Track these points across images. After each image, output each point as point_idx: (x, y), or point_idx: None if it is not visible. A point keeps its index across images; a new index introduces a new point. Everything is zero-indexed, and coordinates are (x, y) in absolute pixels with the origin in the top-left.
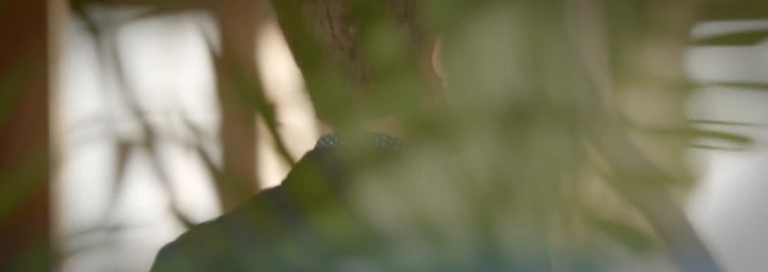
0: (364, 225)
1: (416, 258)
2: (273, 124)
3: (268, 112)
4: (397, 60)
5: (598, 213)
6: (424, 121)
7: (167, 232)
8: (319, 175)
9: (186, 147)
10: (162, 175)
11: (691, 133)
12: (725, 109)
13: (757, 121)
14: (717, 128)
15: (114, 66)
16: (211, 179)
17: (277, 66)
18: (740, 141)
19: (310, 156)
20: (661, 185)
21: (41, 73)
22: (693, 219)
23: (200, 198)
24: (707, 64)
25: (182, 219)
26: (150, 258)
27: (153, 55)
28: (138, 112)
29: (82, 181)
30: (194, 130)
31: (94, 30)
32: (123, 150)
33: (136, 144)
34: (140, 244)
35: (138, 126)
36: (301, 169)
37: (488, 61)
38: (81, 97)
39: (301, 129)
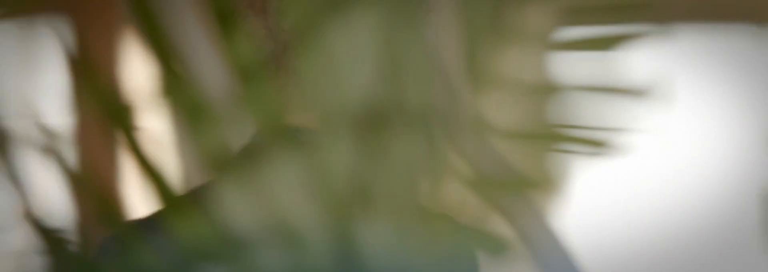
0: (221, 229)
1: (274, 261)
2: (129, 128)
3: (123, 115)
4: (254, 63)
5: (457, 217)
6: (282, 124)
7: (23, 237)
8: (172, 180)
9: (42, 151)
10: (17, 180)
11: (550, 137)
12: (584, 113)
13: (615, 126)
14: (576, 132)
15: None
16: (67, 183)
17: (135, 69)
18: (598, 145)
19: None
20: (521, 189)
21: None
22: (552, 222)
23: (56, 203)
24: (567, 68)
25: (38, 223)
26: (7, 263)
27: (8, 58)
28: None
29: None
30: (50, 133)
31: None
32: None
33: None
34: None
35: None
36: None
37: (346, 64)
38: None
39: (158, 132)
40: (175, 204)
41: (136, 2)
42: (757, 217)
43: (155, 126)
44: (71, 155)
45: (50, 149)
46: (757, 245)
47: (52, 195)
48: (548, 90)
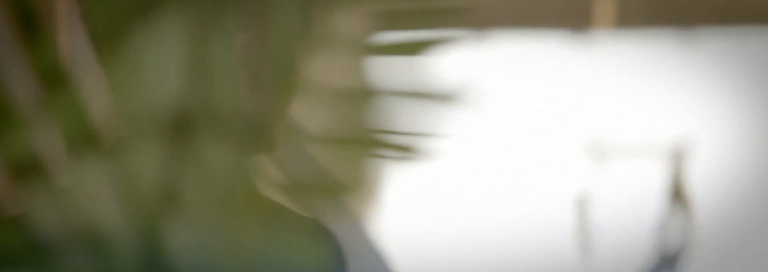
0: (25, 234)
1: (80, 266)
2: None
3: None
4: (59, 67)
5: (270, 221)
6: (87, 129)
7: None
8: None
9: None
10: None
11: (363, 142)
12: (396, 118)
13: (428, 130)
14: (389, 137)
15: None
16: None
17: None
18: (411, 150)
19: None
20: (335, 193)
21: None
22: (367, 226)
23: None
24: (379, 73)
25: None
26: None
27: None
28: None
29: None
30: None
31: None
32: None
33: None
34: None
35: None
36: None
37: (153, 67)
38: None
39: None
40: None
41: None
42: (571, 220)
43: None
44: None
45: None
46: (571, 247)
47: None
48: (360, 94)
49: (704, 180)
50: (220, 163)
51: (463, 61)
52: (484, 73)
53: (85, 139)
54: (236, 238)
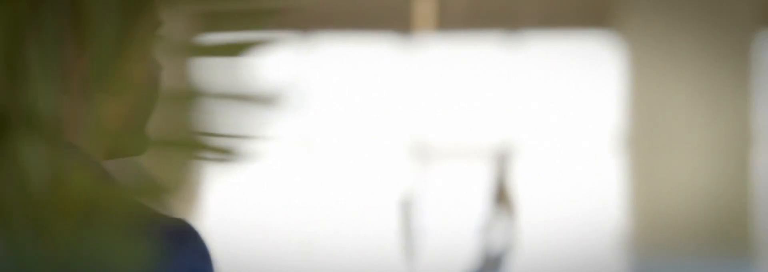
0: None
1: None
2: None
3: None
4: None
5: (87, 222)
6: None
7: None
8: None
9: None
10: None
11: (187, 145)
12: (219, 120)
13: (251, 133)
14: (211, 139)
15: None
16: None
17: None
18: (234, 152)
19: None
20: (157, 196)
21: None
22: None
23: None
24: (202, 74)
25: None
26: None
27: None
28: None
29: None
30: None
31: None
32: None
33: None
34: None
35: None
36: None
37: None
38: None
39: None
40: None
41: None
42: (396, 221)
43: None
44: None
45: None
46: (396, 248)
47: None
48: (183, 96)
49: (528, 183)
50: (35, 165)
51: (287, 63)
52: (308, 75)
53: None
54: (51, 241)
